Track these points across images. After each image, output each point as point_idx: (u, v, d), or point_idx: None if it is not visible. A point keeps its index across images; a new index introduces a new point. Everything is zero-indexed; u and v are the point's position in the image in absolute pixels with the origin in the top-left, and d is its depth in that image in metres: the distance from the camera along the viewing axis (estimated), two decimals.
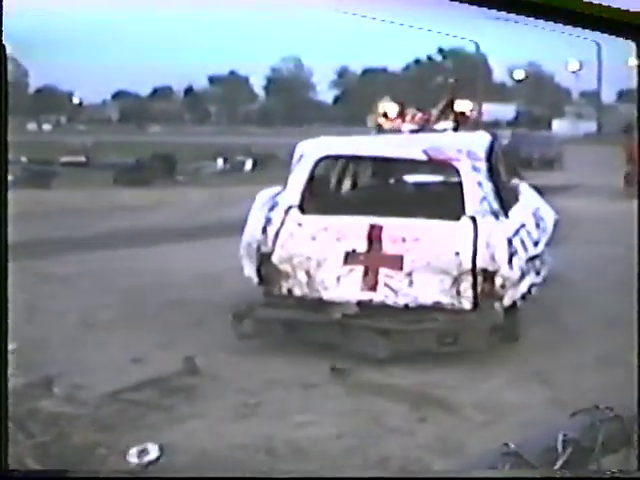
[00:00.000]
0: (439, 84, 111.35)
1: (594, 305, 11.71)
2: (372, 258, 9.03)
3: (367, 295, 9.04)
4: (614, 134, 70.07)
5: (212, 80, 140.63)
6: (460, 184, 9.33)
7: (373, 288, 9.02)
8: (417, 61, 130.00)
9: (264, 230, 9.34)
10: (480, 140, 10.49)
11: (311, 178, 9.72)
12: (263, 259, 9.27)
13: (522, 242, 9.27)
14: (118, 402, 7.75)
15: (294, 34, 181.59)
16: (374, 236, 9.07)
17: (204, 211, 26.80)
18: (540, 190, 12.21)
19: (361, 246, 9.08)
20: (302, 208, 9.44)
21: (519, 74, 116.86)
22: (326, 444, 6.79)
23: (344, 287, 9.06)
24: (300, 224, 9.32)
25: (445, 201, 9.67)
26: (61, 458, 6.18)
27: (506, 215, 9.40)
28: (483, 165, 9.52)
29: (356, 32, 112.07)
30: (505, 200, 9.59)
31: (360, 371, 8.59)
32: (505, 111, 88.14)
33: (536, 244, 9.64)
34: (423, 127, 13.66)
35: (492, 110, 76.09)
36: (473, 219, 8.99)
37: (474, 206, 9.10)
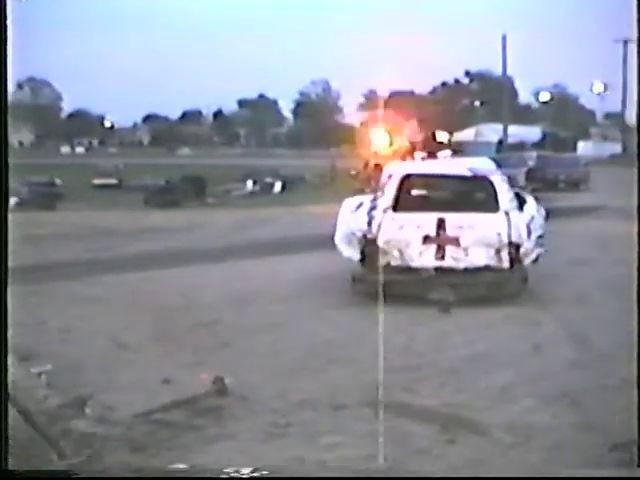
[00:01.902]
0: (466, 106, 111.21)
1: (622, 326, 11.61)
2: (440, 239, 13.68)
3: (439, 263, 13.67)
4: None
5: (241, 103, 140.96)
6: (492, 190, 13.96)
7: (442, 258, 13.67)
8: (444, 84, 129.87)
9: (369, 223, 13.80)
10: (491, 163, 15.56)
11: (399, 189, 14.21)
12: (368, 243, 13.72)
13: (534, 227, 13.78)
14: (149, 423, 7.72)
15: (322, 57, 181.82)
16: (440, 225, 13.70)
17: (233, 232, 26.81)
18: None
19: (432, 232, 13.70)
20: (394, 208, 13.98)
21: (544, 96, 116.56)
22: (356, 465, 6.72)
23: (424, 258, 13.68)
24: (393, 219, 13.89)
25: (479, 201, 14.48)
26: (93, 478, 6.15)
27: (522, 210, 14.07)
28: (505, 179, 14.51)
29: (383, 55, 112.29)
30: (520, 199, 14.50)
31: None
32: (531, 133, 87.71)
33: (541, 227, 13.95)
34: (430, 154, 16.99)
35: (518, 132, 75.81)
36: (506, 212, 13.73)
37: (506, 204, 13.87)
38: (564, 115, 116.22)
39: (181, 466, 6.42)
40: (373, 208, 13.98)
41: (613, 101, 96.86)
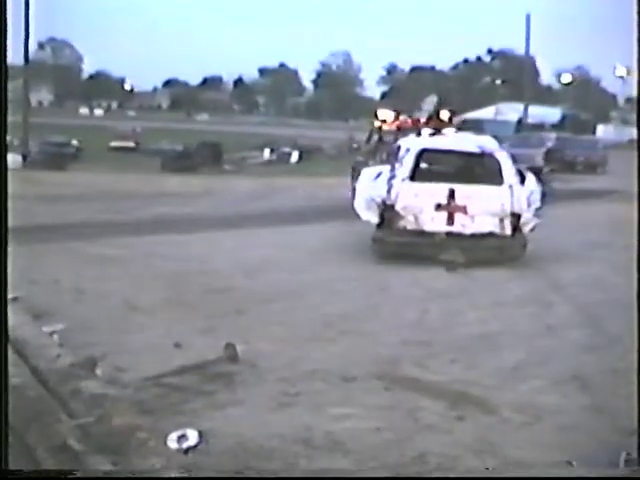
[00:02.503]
0: (486, 84, 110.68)
1: (636, 309, 11.53)
2: (450, 207, 15.21)
3: (449, 228, 15.20)
4: None
5: (262, 72, 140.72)
6: (497, 166, 15.47)
7: (452, 224, 15.21)
8: (466, 61, 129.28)
9: (389, 191, 15.26)
10: (494, 141, 16.77)
11: (416, 161, 15.65)
12: (386, 208, 15.26)
13: (533, 199, 15.42)
14: (159, 386, 7.72)
15: (344, 29, 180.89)
16: (451, 195, 15.20)
17: (249, 200, 26.79)
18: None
19: (444, 201, 15.22)
20: (411, 178, 15.40)
21: (566, 77, 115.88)
22: (364, 438, 6.71)
23: (436, 223, 15.22)
24: (410, 188, 15.30)
25: (486, 175, 15.74)
26: (102, 439, 6.16)
27: (523, 184, 15.51)
28: (509, 155, 15.98)
29: (406, 30, 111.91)
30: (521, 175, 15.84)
31: None
32: (551, 114, 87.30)
33: (538, 200, 15.53)
34: (436, 131, 18.35)
35: (538, 112, 75.40)
36: (510, 186, 15.31)
37: (510, 179, 15.40)
38: (585, 97, 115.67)
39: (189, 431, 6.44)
40: (392, 177, 15.50)
41: (635, 85, 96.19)
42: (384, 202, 15.32)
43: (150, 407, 7.13)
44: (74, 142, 48.25)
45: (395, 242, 15.20)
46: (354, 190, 23.18)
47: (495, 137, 17.66)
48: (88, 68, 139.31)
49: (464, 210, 15.20)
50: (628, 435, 6.31)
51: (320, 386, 7.98)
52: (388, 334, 10.04)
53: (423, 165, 16.15)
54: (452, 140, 17.34)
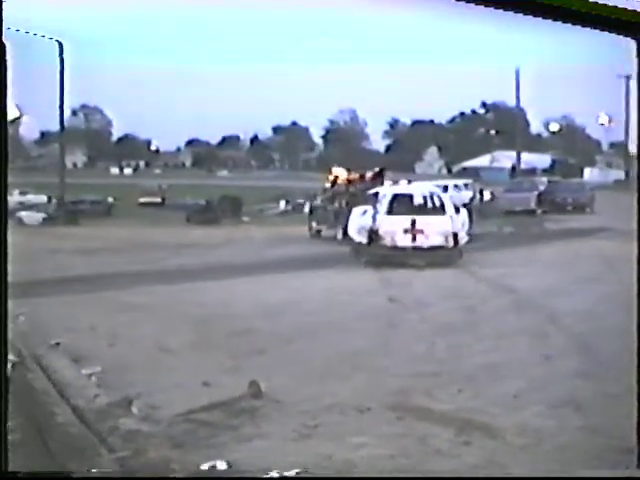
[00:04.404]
0: (482, 135, 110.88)
1: (626, 339, 11.48)
2: (413, 231, 21.07)
3: (413, 244, 21.05)
4: None
5: (275, 130, 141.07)
6: (441, 203, 22.51)
7: (415, 241, 21.05)
8: (462, 114, 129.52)
9: (374, 221, 21.43)
10: (436, 187, 26.06)
11: (391, 203, 22.09)
12: (372, 232, 21.33)
13: (465, 223, 22.11)
14: (189, 422, 7.72)
15: (350, 89, 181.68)
16: (413, 223, 21.12)
17: (267, 248, 26.82)
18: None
19: (409, 227, 21.09)
20: (388, 213, 21.67)
21: (554, 127, 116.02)
22: (379, 464, 6.69)
23: (405, 241, 21.12)
24: (388, 219, 21.47)
25: (434, 209, 22.25)
26: (138, 472, 6.16)
27: (458, 214, 22.08)
28: (449, 197, 24.39)
29: (406, 87, 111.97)
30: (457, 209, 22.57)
31: None
32: (541, 160, 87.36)
33: (468, 224, 22.42)
34: (394, 182, 27.47)
35: (530, 159, 75.51)
36: (450, 216, 21.72)
37: (450, 211, 22.06)
38: (572, 144, 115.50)
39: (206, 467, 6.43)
40: (376, 213, 21.85)
41: (617, 132, 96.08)
42: (371, 229, 21.48)
43: (181, 441, 7.12)
44: (109, 199, 48.53)
45: (380, 254, 21.07)
46: (311, 228, 31.37)
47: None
48: (117, 132, 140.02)
49: (422, 232, 21.12)
50: (624, 453, 6.28)
51: (338, 418, 7.96)
52: (400, 367, 10.01)
53: (395, 204, 22.10)
54: (412, 188, 24.59)
